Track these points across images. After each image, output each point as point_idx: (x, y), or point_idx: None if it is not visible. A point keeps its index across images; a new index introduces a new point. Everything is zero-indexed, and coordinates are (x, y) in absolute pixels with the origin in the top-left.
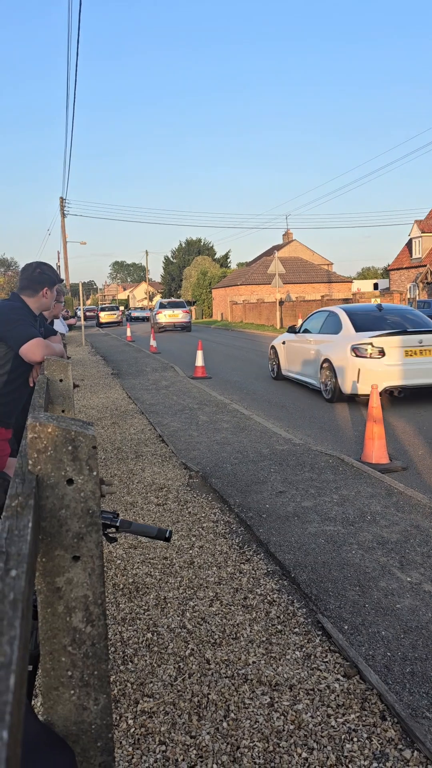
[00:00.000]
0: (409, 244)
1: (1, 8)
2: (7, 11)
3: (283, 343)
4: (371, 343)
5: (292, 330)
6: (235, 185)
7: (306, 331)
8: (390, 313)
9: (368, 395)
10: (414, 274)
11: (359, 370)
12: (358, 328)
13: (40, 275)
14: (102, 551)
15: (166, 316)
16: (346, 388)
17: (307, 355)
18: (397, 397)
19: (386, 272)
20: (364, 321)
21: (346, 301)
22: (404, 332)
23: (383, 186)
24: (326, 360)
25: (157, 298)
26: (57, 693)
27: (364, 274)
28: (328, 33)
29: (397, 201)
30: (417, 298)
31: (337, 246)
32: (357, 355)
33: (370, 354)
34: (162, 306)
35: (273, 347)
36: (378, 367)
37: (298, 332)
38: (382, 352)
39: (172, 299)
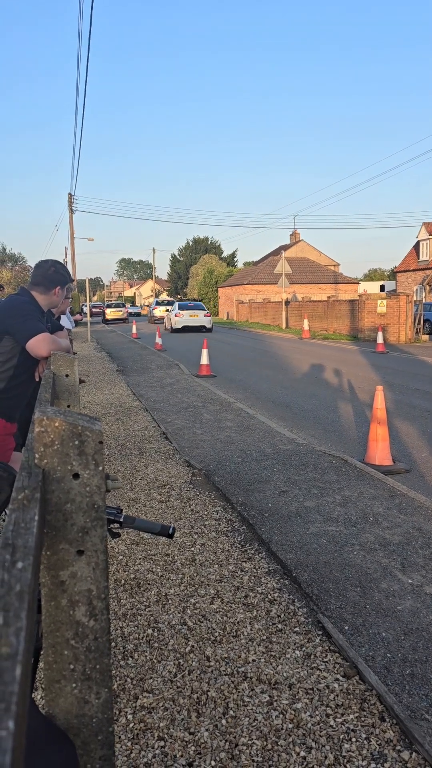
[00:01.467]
0: (416, 247)
1: (14, 11)
2: (19, 14)
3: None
4: (179, 312)
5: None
6: (243, 185)
7: (170, 311)
8: (191, 303)
9: (178, 329)
10: (421, 277)
11: (175, 320)
12: (179, 308)
13: (55, 274)
14: (106, 546)
15: (161, 311)
16: (171, 327)
17: (168, 318)
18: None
19: (393, 274)
20: (181, 305)
21: (352, 302)
22: (189, 309)
23: (392, 188)
24: (169, 318)
25: (162, 296)
26: (59, 686)
27: (370, 276)
28: (334, 35)
29: (405, 203)
30: (423, 301)
31: (344, 247)
32: (175, 316)
33: (178, 315)
34: (158, 303)
35: (162, 318)
36: (180, 319)
37: (169, 311)
38: (182, 315)
39: (167, 298)
